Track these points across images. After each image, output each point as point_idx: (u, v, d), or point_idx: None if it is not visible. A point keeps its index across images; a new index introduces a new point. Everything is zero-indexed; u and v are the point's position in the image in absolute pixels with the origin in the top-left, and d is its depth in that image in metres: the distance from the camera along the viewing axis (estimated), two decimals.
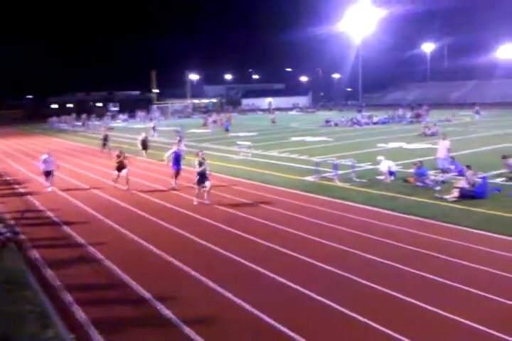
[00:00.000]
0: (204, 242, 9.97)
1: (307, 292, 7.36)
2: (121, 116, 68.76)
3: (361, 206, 12.73)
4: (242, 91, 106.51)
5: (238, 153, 24.48)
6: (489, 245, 9.19)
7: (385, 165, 15.96)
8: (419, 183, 14.85)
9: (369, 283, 7.60)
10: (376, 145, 25.70)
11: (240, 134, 36.42)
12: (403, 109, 47.75)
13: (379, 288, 7.44)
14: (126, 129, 47.97)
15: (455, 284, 7.46)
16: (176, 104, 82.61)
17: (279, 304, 7.04)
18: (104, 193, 15.66)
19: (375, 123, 42.26)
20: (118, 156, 16.14)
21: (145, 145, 23.90)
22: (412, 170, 15.84)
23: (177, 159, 15.80)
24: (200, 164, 13.35)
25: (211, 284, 7.77)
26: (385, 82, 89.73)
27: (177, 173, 15.92)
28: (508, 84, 72.43)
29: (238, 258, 8.93)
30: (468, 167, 14.00)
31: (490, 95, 69.23)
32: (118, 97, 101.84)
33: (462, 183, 13.24)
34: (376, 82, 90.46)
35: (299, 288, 7.52)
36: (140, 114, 69.84)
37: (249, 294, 7.36)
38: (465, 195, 12.86)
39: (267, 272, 8.22)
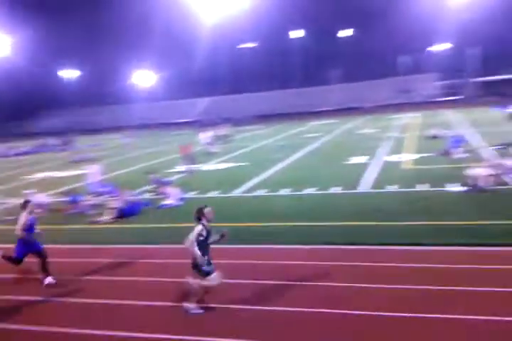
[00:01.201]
0: None
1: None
2: None
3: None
4: None
5: None
6: (152, 256, 9.52)
7: (38, 198, 14.50)
8: (72, 211, 14.17)
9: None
10: (20, 178, 23.55)
11: None
12: (52, 137, 45.88)
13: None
14: None
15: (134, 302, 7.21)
16: None
17: None
18: None
19: (18, 155, 39.28)
20: None
21: None
22: (64, 199, 15.03)
23: (30, 231, 8.47)
24: (203, 236, 6.78)
25: None
26: (32, 109, 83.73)
27: (18, 259, 8.55)
28: (146, 107, 79.92)
29: None
30: (120, 187, 14.26)
31: (133, 118, 74.46)
32: None
33: (116, 203, 13.33)
34: (20, 110, 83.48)
35: None
36: None
37: None
38: (121, 215, 13.00)
39: None
